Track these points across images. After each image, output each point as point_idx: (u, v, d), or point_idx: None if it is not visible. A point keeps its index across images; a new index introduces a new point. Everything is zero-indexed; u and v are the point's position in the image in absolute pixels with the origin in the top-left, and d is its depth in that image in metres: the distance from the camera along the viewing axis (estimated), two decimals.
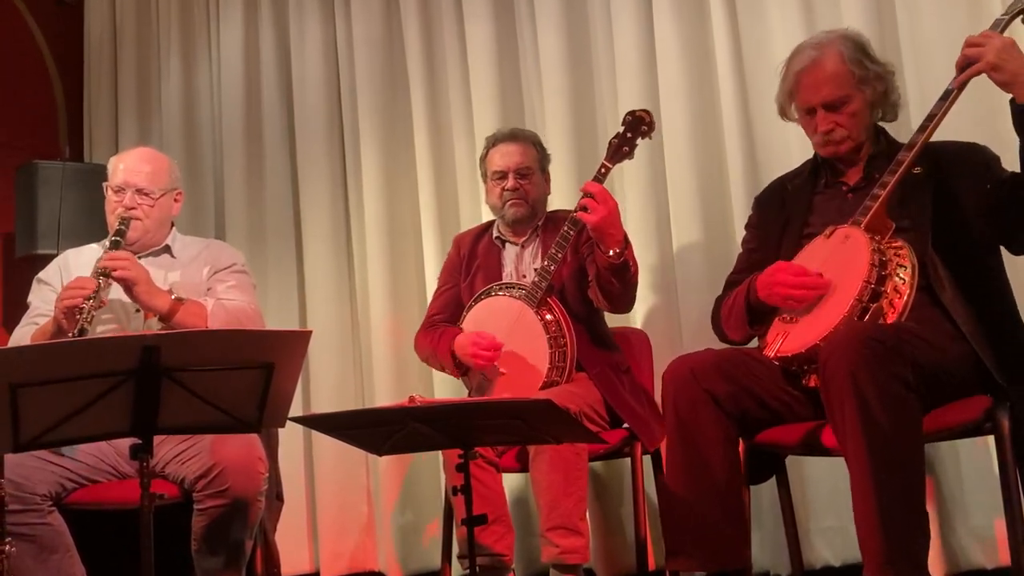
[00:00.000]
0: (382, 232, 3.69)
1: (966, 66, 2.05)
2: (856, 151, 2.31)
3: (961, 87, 2.11)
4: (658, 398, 2.45)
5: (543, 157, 2.93)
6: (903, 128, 2.79)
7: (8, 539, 2.10)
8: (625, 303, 2.70)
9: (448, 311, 2.93)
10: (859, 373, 1.85)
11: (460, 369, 2.77)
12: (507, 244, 2.91)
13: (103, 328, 2.59)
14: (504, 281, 2.79)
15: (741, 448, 2.20)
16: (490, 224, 3.00)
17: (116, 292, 2.55)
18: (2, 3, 4.07)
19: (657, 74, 3.24)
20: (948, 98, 2.12)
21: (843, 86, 2.26)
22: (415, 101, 3.68)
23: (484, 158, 2.95)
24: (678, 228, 3.18)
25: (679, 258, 3.16)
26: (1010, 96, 2.02)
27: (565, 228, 2.64)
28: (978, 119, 2.56)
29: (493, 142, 2.93)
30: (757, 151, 3.09)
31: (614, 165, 2.64)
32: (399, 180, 3.74)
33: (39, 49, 4.21)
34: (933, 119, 2.13)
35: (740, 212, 2.97)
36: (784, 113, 2.42)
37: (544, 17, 3.44)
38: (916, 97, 2.84)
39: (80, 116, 4.30)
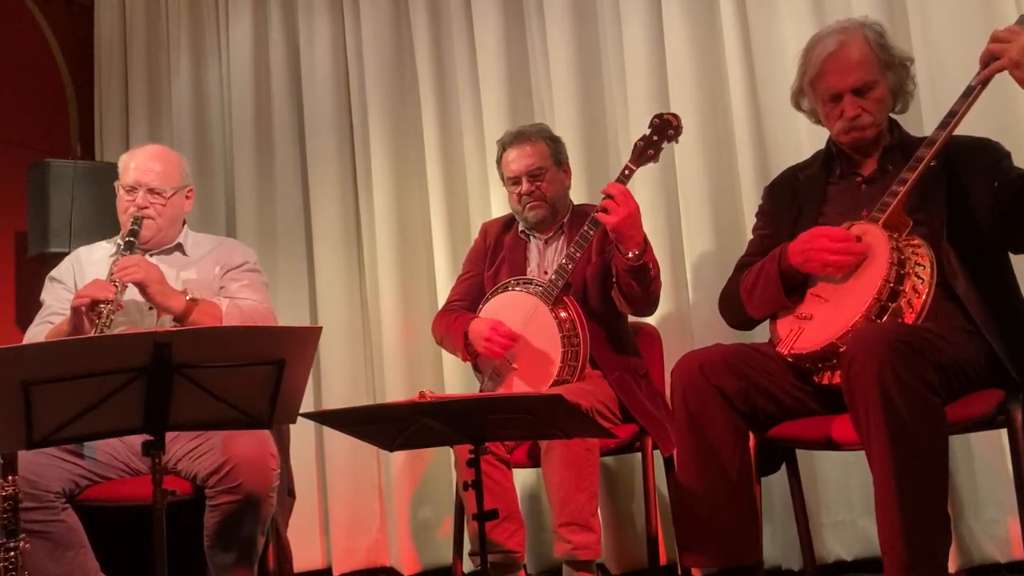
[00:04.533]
0: (392, 229, 3.69)
1: (989, 61, 2.02)
2: (878, 139, 2.29)
3: (984, 83, 2.07)
4: (668, 390, 2.44)
5: (556, 150, 2.87)
6: (914, 121, 2.78)
7: (22, 536, 2.11)
8: (646, 307, 2.68)
9: (469, 298, 2.93)
10: (886, 374, 1.83)
11: (470, 353, 2.77)
12: (532, 239, 2.90)
13: (116, 327, 2.60)
14: (523, 276, 2.79)
15: (752, 442, 2.19)
16: None
17: (131, 292, 2.56)
18: (14, 4, 4.09)
19: (667, 71, 3.23)
20: (971, 95, 2.08)
21: (871, 70, 2.25)
22: (424, 100, 3.69)
23: (499, 161, 2.92)
24: (689, 224, 3.17)
25: (690, 254, 3.16)
26: None
27: (585, 228, 2.63)
28: (989, 114, 2.54)
29: (503, 146, 2.89)
30: (767, 147, 3.08)
31: (638, 167, 2.61)
32: (409, 177, 3.75)
33: (50, 48, 4.23)
34: (955, 115, 2.09)
35: (751, 207, 2.95)
36: (798, 103, 2.39)
37: (553, 15, 3.43)
38: (927, 91, 2.82)
39: (91, 115, 4.32)
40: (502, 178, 2.92)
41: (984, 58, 2.04)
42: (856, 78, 2.24)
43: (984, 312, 2.06)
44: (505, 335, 2.64)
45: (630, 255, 2.51)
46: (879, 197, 2.15)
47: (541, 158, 2.82)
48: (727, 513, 2.10)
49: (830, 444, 2.11)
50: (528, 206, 2.82)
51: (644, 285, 2.56)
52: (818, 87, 2.29)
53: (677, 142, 2.65)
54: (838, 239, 2.11)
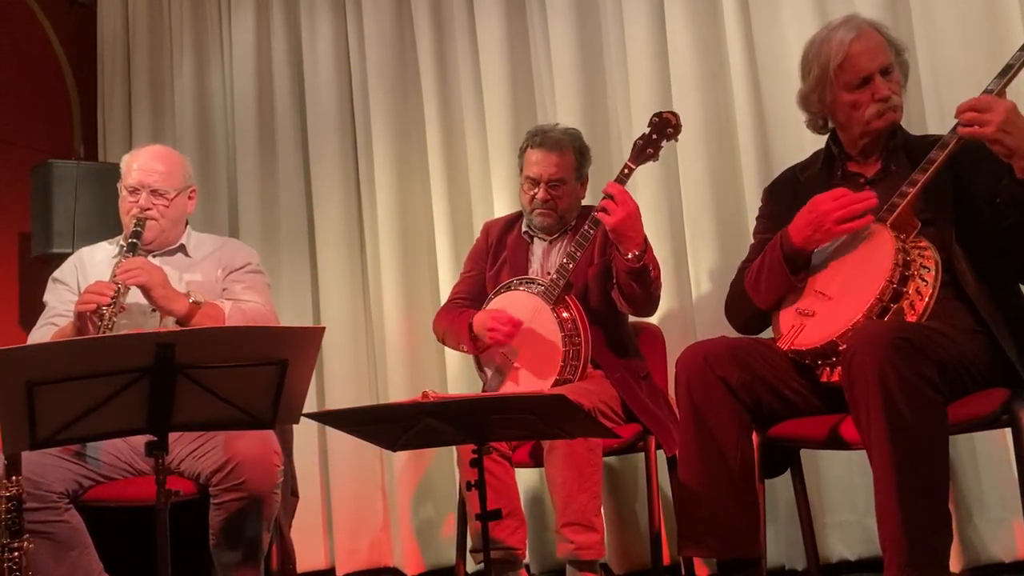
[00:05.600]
0: (394, 228, 3.70)
1: (968, 123, 1.99)
2: (882, 137, 2.28)
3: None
4: (671, 389, 2.44)
5: (582, 164, 2.84)
6: (916, 120, 2.78)
7: (26, 536, 2.11)
8: (646, 307, 2.67)
9: (471, 295, 2.93)
10: (887, 371, 1.82)
11: (476, 344, 2.76)
12: (535, 239, 2.90)
13: (119, 329, 2.59)
14: (524, 276, 2.78)
15: (756, 441, 2.18)
16: (520, 214, 2.97)
17: (134, 294, 2.56)
18: (16, 5, 4.10)
19: (669, 71, 3.23)
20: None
21: (889, 54, 2.25)
22: (427, 99, 3.69)
23: (523, 152, 2.88)
24: (691, 223, 3.17)
25: (692, 253, 3.16)
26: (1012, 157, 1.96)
27: (585, 228, 2.63)
28: None
29: (532, 143, 2.83)
30: (770, 146, 3.08)
31: (638, 166, 2.61)
32: (411, 177, 3.75)
33: (53, 50, 4.23)
34: None
35: (753, 207, 2.94)
36: (809, 104, 2.35)
37: (556, 15, 3.43)
38: (930, 90, 2.83)
39: (94, 115, 4.33)
40: (520, 168, 2.90)
41: (963, 121, 1.99)
42: (884, 58, 2.23)
43: (994, 311, 2.06)
44: (507, 321, 2.64)
45: (629, 256, 2.50)
46: (884, 198, 2.14)
47: (566, 170, 2.80)
48: (729, 505, 2.10)
49: (832, 443, 2.10)
50: (538, 212, 2.81)
51: (644, 286, 2.55)
52: (846, 73, 2.23)
53: (676, 140, 2.64)
54: (838, 196, 2.10)
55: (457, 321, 2.81)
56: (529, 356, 2.66)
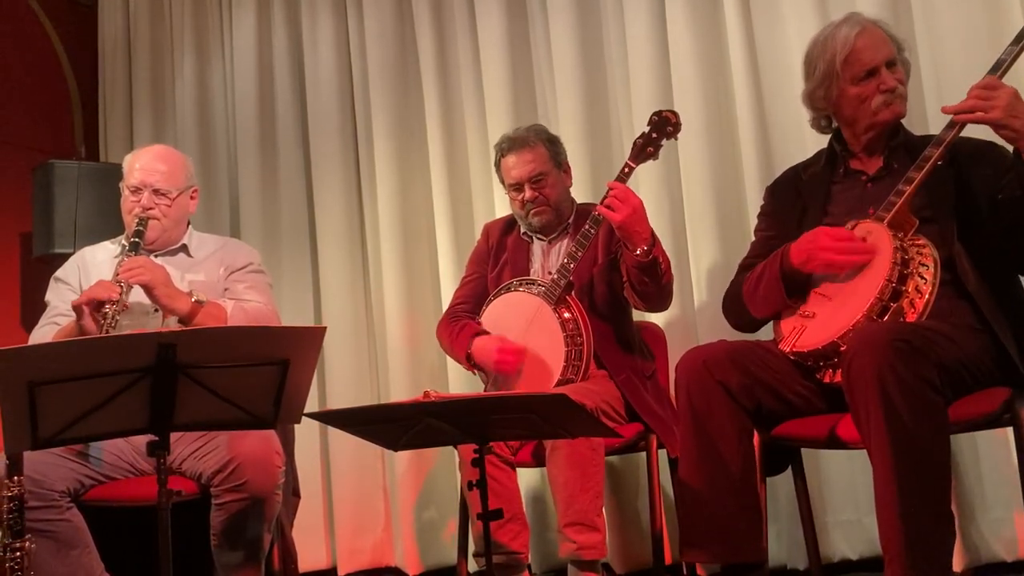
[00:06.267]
0: (396, 226, 3.70)
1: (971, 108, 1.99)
2: (883, 135, 2.28)
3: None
4: (672, 389, 2.44)
5: (555, 152, 2.86)
6: (918, 120, 2.78)
7: (28, 535, 2.11)
8: (660, 301, 2.67)
9: (472, 300, 2.92)
10: (886, 374, 1.82)
11: (474, 367, 2.78)
12: (536, 240, 2.90)
13: (121, 329, 2.59)
14: (525, 277, 2.78)
15: (757, 441, 2.18)
16: None
17: (136, 294, 2.56)
18: (18, 5, 4.10)
19: (670, 71, 3.23)
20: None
21: (892, 47, 2.26)
22: (428, 99, 3.69)
23: (498, 166, 2.91)
24: (692, 224, 3.17)
25: (694, 253, 3.16)
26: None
27: (586, 227, 2.63)
28: None
29: (501, 152, 2.86)
30: (771, 144, 3.07)
31: (638, 165, 2.61)
32: (412, 176, 3.75)
33: (54, 50, 4.23)
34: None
35: (754, 207, 2.94)
36: (815, 101, 2.35)
37: (556, 13, 3.43)
38: (932, 89, 2.82)
39: (95, 116, 4.33)
40: (502, 182, 2.92)
41: (966, 108, 1.99)
42: (888, 51, 2.25)
43: (995, 310, 2.05)
44: (512, 351, 2.64)
45: (638, 252, 2.50)
46: (886, 196, 2.15)
47: (542, 163, 2.80)
48: (730, 509, 2.10)
49: (835, 443, 2.10)
50: (532, 212, 2.81)
51: (655, 279, 2.55)
52: (852, 66, 2.24)
53: (676, 139, 2.65)
54: (841, 238, 2.11)
55: (456, 344, 2.80)
56: (531, 357, 2.65)
